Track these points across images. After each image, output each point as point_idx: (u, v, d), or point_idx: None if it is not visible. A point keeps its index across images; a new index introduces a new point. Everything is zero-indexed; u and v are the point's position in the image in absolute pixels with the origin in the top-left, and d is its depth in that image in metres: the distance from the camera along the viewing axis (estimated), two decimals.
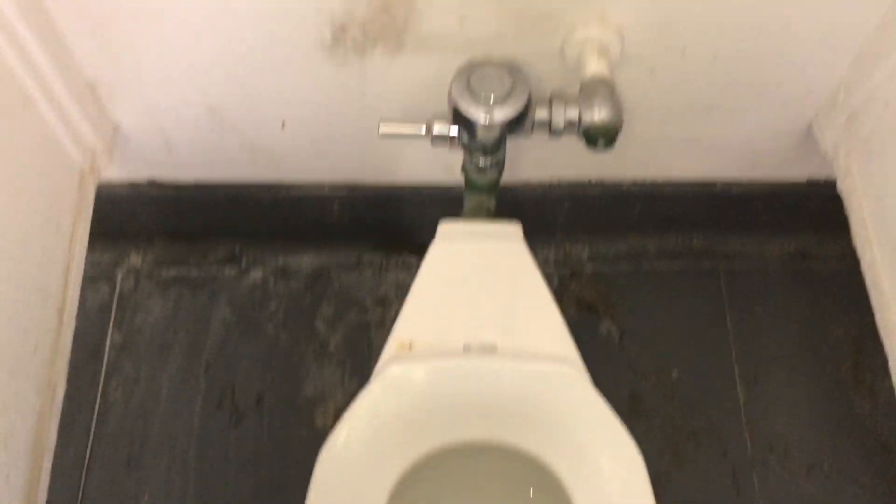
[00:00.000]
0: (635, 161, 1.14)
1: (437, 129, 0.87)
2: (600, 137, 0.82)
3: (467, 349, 0.92)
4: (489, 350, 0.92)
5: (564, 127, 0.83)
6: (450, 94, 0.81)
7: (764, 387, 1.23)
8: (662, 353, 1.25)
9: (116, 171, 1.12)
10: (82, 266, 1.00)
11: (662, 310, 1.28)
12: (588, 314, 1.27)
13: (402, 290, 1.20)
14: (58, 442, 1.15)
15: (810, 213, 1.26)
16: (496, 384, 0.87)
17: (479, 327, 0.94)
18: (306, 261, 1.31)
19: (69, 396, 1.19)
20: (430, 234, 0.93)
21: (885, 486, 1.18)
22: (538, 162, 1.13)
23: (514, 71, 0.82)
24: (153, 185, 1.16)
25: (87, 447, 1.18)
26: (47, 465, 1.03)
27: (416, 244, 1.29)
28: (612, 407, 0.86)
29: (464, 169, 0.94)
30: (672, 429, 1.21)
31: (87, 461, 1.17)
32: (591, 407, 0.87)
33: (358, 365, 1.23)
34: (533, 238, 0.94)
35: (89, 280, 1.27)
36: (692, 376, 1.24)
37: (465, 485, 0.99)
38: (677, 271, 1.31)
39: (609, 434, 0.86)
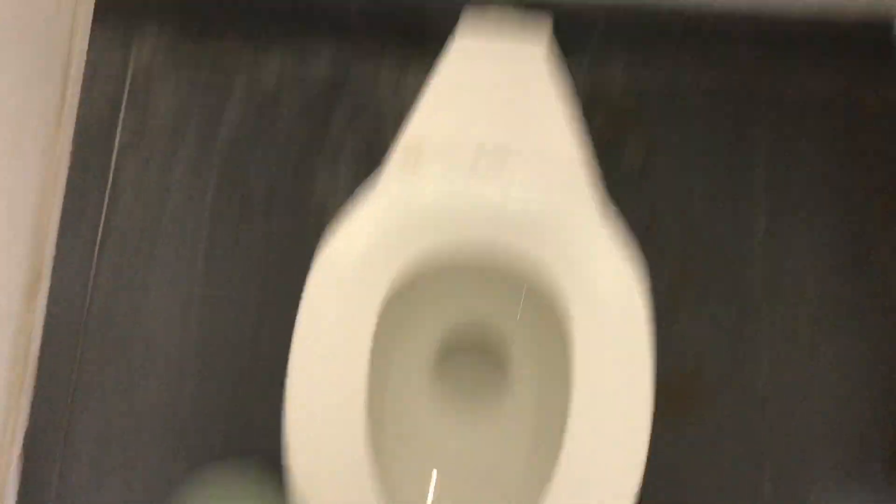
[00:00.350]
0: None
1: None
2: None
3: (480, 149, 0.88)
4: (502, 151, 0.88)
5: None
6: None
7: (786, 226, 1.19)
8: (686, 183, 1.20)
9: None
10: (87, 37, 0.95)
11: (692, 140, 1.22)
12: (613, 138, 1.22)
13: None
14: (69, 226, 1.15)
15: (860, 52, 1.17)
16: (506, 189, 0.84)
17: (494, 128, 0.89)
18: (324, 57, 1.25)
19: (79, 181, 1.18)
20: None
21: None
22: None
23: None
24: None
25: (97, 232, 1.18)
26: (51, 245, 1.04)
27: (440, 44, 1.22)
28: (621, 230, 0.83)
29: None
30: (684, 261, 1.18)
31: (97, 246, 1.18)
32: (599, 228, 0.84)
33: (371, 168, 1.20)
34: (562, 57, 0.88)
35: (101, 60, 1.23)
36: (713, 210, 1.20)
37: (464, 299, 0.98)
38: (712, 103, 1.24)
39: (614, 258, 0.83)
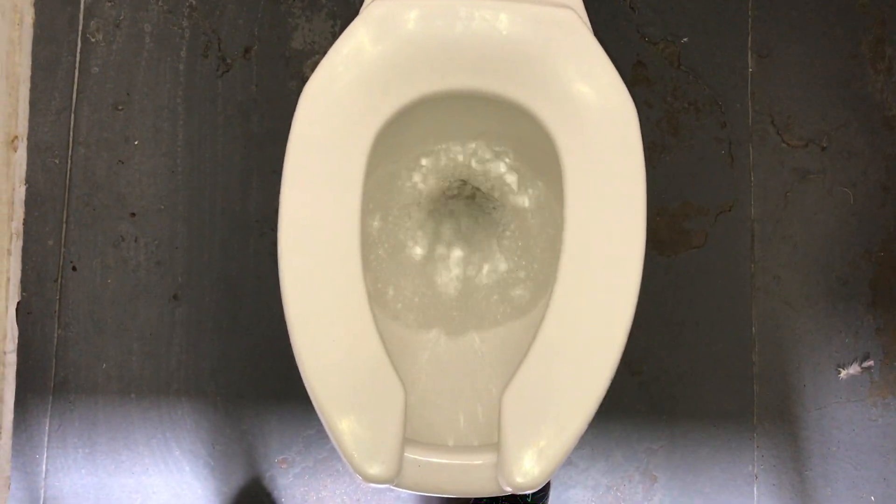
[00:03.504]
0: None
1: None
2: None
3: None
4: None
5: None
6: None
7: (776, 58, 1.17)
8: (675, 18, 1.17)
9: None
10: None
11: None
12: None
13: None
14: (42, 84, 1.12)
15: None
16: (490, 28, 0.81)
17: None
18: None
19: (48, 39, 1.14)
20: None
21: (880, 161, 1.17)
22: None
23: None
24: None
25: (72, 90, 1.15)
26: (24, 94, 1.01)
27: None
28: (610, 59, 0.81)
29: None
30: (674, 97, 1.17)
31: (74, 104, 1.15)
32: (589, 56, 0.82)
33: (350, 18, 1.16)
34: None
35: None
36: (703, 45, 1.17)
37: (453, 130, 0.97)
38: None
39: (605, 86, 0.81)
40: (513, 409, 0.76)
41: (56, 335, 1.12)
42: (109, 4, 1.16)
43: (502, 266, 0.97)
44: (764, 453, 1.12)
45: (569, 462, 1.11)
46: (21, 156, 1.06)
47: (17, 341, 1.05)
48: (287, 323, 0.76)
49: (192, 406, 1.11)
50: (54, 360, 1.11)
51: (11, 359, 1.05)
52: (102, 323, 1.12)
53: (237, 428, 1.11)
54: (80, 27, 1.16)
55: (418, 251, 0.98)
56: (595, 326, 0.78)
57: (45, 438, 1.11)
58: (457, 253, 0.99)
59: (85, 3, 1.16)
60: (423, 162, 0.99)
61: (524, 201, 0.98)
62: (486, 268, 0.97)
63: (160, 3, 1.16)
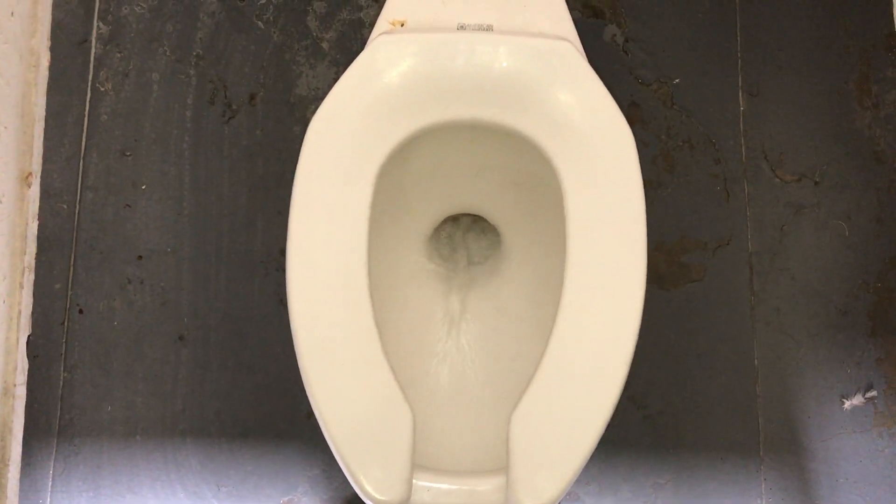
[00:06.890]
0: None
1: None
2: None
3: (462, 29, 0.89)
4: (485, 30, 0.89)
5: None
6: None
7: (766, 96, 1.21)
8: (667, 60, 1.21)
9: None
10: None
11: (671, 17, 1.23)
12: (593, 19, 1.22)
13: None
14: (53, 132, 1.15)
15: None
16: (490, 60, 0.85)
17: (476, 8, 0.90)
18: None
19: (59, 89, 1.17)
20: None
21: (872, 194, 1.19)
22: None
23: None
24: None
25: (81, 137, 1.18)
26: (39, 133, 1.04)
27: None
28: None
29: None
30: (668, 136, 1.20)
31: (83, 150, 1.17)
32: (587, 85, 0.85)
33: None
34: None
35: None
36: (694, 85, 1.21)
37: (456, 161, 0.99)
38: None
39: (603, 114, 0.84)
40: (520, 432, 0.76)
41: (62, 378, 1.12)
42: (119, 56, 1.20)
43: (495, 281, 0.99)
44: (772, 486, 1.12)
45: (577, 498, 1.11)
46: (34, 192, 1.08)
47: (27, 374, 1.06)
48: (297, 352, 0.77)
49: (198, 447, 1.11)
50: (59, 403, 1.11)
51: (21, 391, 1.05)
52: (108, 365, 1.12)
53: (242, 468, 1.10)
54: (90, 77, 1.19)
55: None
56: (600, 348, 0.79)
57: (49, 482, 1.10)
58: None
59: (95, 53, 1.20)
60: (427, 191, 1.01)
61: (525, 235, 1.00)
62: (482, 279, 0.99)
63: (168, 53, 1.20)
